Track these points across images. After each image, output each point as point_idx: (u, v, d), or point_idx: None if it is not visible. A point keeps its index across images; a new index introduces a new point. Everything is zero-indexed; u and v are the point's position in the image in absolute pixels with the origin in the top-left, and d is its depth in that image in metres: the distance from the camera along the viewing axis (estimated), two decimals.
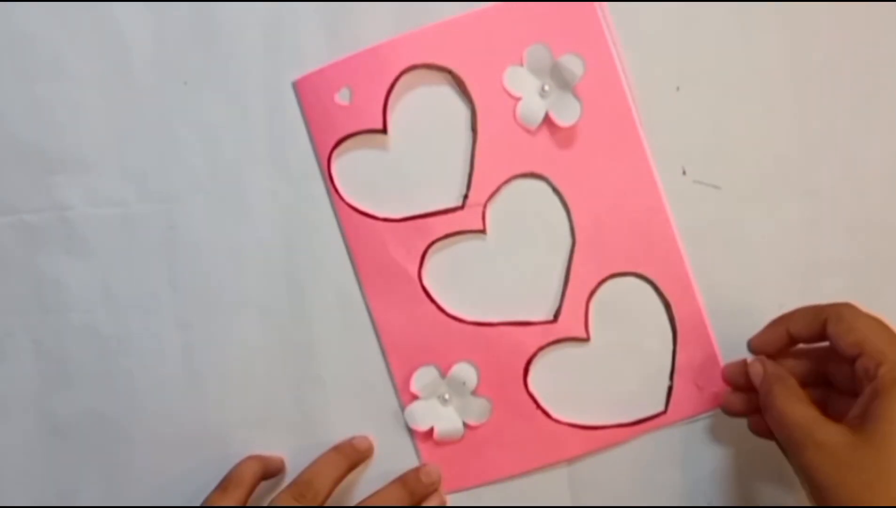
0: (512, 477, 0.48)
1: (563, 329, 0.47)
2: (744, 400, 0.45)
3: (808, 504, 0.40)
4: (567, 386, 0.47)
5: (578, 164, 0.46)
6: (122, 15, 0.46)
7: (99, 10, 0.46)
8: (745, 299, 0.47)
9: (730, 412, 0.45)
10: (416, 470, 0.47)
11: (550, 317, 0.47)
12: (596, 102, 0.45)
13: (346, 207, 0.46)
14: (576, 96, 0.45)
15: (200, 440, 0.48)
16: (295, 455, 0.47)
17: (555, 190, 0.46)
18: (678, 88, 0.46)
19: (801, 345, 0.44)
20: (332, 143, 0.46)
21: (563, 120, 0.45)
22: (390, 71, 0.45)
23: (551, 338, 0.47)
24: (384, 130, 0.46)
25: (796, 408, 0.40)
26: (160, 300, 0.48)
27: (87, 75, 0.46)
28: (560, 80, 0.45)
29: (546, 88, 0.45)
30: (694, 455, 0.48)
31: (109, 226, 0.47)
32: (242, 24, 0.46)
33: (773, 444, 0.42)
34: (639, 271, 0.47)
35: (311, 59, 0.46)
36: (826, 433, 0.39)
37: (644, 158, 0.46)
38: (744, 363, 0.45)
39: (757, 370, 0.43)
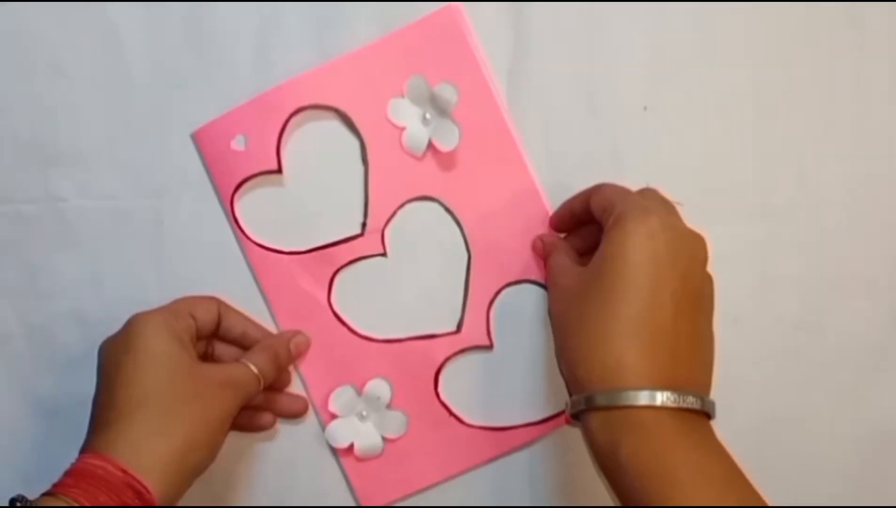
0: (435, 485, 0.50)
1: (466, 339, 0.50)
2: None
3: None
4: (476, 392, 0.50)
5: (465, 183, 0.49)
6: (119, 17, 0.49)
7: (96, 13, 0.49)
8: None
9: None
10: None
11: (454, 328, 0.50)
12: (475, 125, 0.48)
13: (252, 245, 0.50)
14: (454, 122, 0.48)
15: None
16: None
17: (447, 209, 0.49)
18: (645, 108, 0.49)
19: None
20: (233, 187, 0.49)
21: (445, 145, 0.48)
22: (280, 115, 0.49)
23: (457, 348, 0.50)
24: (279, 171, 0.49)
25: (555, 258, 0.46)
26: (146, 290, 0.50)
27: (84, 75, 0.49)
28: (438, 107, 0.48)
29: (427, 116, 0.49)
30: None
31: (100, 218, 0.50)
32: (234, 31, 0.49)
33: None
34: (532, 277, 0.49)
35: (300, 66, 0.49)
36: (565, 277, 0.44)
37: (525, 171, 0.49)
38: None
39: (537, 244, 0.48)
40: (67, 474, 0.41)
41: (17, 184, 0.50)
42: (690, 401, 0.39)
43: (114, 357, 0.44)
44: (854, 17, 0.48)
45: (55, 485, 0.40)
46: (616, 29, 0.48)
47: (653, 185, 0.47)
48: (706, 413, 0.41)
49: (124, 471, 0.40)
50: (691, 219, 0.47)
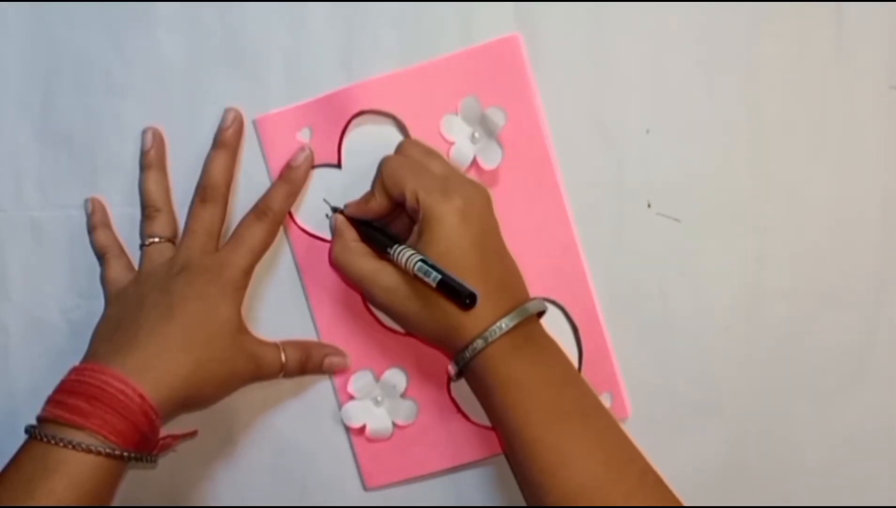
0: (434, 474, 0.54)
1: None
2: None
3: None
4: None
5: (501, 201, 0.52)
6: (165, 40, 0.53)
7: (146, 36, 0.53)
8: (697, 321, 0.53)
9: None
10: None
11: None
12: (519, 149, 0.52)
13: (298, 230, 0.54)
14: (499, 144, 0.52)
15: None
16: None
17: None
18: (648, 131, 0.53)
19: None
20: None
21: (488, 163, 0.52)
22: (344, 115, 0.53)
23: None
24: (339, 165, 0.53)
25: (358, 262, 0.49)
26: None
27: (131, 92, 0.54)
28: (487, 128, 0.52)
29: (476, 134, 0.53)
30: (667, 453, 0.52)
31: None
32: (266, 55, 0.53)
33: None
34: (552, 297, 0.53)
35: (325, 86, 0.53)
36: (388, 277, 0.48)
37: (559, 200, 0.53)
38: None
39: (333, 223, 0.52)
40: (87, 397, 0.43)
41: (70, 191, 0.54)
42: (522, 312, 0.47)
43: (179, 293, 0.48)
44: (844, 51, 0.52)
45: (75, 410, 0.43)
46: (621, 59, 0.52)
47: (654, 203, 0.52)
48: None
49: (142, 397, 0.44)
50: (689, 234, 0.53)
